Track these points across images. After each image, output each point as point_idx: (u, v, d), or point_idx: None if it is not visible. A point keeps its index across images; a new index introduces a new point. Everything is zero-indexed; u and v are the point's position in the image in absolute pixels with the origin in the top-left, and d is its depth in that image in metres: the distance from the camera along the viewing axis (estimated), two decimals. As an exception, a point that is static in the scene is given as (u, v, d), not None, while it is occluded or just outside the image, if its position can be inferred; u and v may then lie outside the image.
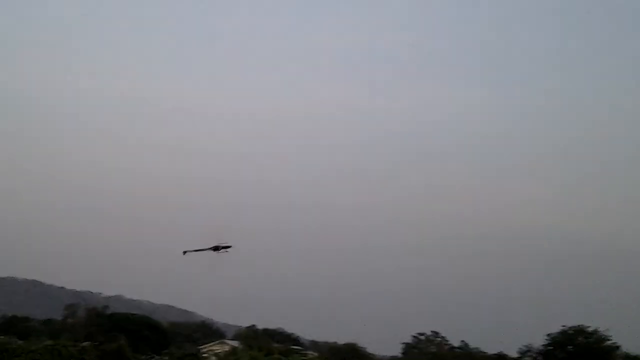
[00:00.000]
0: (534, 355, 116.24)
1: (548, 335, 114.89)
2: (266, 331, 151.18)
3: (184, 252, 43.45)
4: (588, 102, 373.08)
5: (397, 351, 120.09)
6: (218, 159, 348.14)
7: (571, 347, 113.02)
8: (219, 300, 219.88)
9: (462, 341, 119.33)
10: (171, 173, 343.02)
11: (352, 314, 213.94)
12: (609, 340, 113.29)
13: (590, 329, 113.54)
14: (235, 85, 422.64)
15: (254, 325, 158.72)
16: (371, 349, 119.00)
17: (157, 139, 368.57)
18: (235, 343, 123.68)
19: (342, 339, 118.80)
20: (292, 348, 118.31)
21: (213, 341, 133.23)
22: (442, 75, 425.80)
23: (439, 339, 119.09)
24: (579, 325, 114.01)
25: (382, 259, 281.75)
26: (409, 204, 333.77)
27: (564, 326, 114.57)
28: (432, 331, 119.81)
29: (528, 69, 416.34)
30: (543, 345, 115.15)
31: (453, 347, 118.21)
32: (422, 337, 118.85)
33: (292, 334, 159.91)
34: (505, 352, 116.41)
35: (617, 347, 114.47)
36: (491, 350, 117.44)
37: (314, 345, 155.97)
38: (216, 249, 39.28)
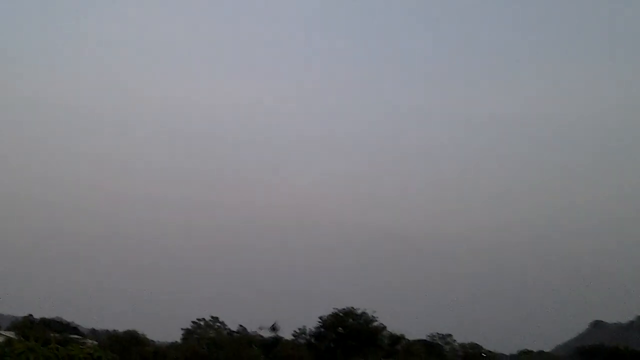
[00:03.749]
0: (307, 337, 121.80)
1: (320, 317, 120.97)
2: (44, 321, 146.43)
3: None
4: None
5: (178, 337, 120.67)
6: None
7: (341, 328, 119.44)
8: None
9: (240, 325, 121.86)
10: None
11: (132, 301, 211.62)
12: (376, 321, 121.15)
13: (359, 311, 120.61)
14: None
15: (30, 315, 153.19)
16: (151, 335, 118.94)
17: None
18: (10, 334, 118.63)
19: (122, 327, 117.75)
20: (71, 337, 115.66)
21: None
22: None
23: (218, 324, 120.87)
24: (348, 308, 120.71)
25: (156, 244, 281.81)
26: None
27: (335, 309, 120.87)
28: (211, 316, 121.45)
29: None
30: (315, 327, 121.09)
31: (231, 332, 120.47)
32: (202, 323, 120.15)
33: (71, 322, 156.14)
34: (281, 335, 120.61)
35: (384, 328, 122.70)
36: (268, 333, 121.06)
37: (94, 333, 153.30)
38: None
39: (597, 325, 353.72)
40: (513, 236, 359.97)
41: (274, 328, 36.52)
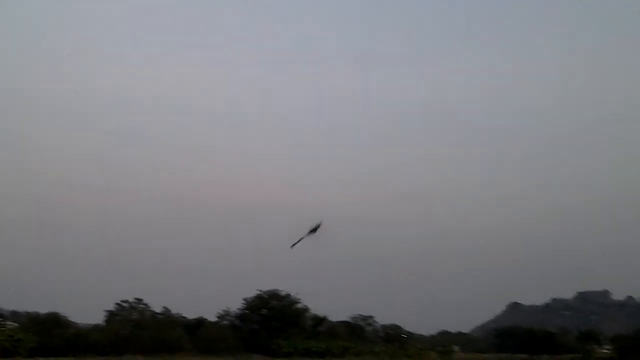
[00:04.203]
0: (231, 318, 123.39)
1: (244, 299, 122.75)
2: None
3: (292, 246, 41.39)
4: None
5: (100, 319, 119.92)
6: None
7: (265, 310, 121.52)
8: None
9: (164, 307, 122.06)
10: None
11: (55, 283, 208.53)
12: (299, 303, 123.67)
13: (283, 293, 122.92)
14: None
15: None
16: (74, 317, 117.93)
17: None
18: None
19: (43, 309, 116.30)
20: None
21: None
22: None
23: (142, 305, 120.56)
24: (272, 290, 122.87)
25: (79, 227, 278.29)
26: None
27: (259, 290, 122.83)
28: (135, 298, 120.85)
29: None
30: (239, 309, 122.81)
31: (155, 314, 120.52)
32: (125, 304, 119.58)
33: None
34: (205, 316, 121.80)
35: (307, 309, 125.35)
36: (192, 315, 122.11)
37: (14, 315, 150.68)
38: (314, 231, 38.70)
39: (514, 307, 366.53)
40: (433, 220, 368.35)
41: (315, 229, 37.40)
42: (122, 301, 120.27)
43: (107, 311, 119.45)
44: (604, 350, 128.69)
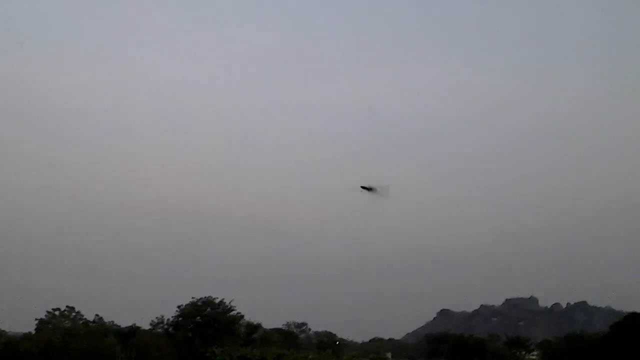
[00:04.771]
0: (165, 326, 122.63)
1: (178, 307, 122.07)
2: None
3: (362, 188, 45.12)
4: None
5: (31, 328, 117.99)
6: None
7: (199, 317, 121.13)
8: None
9: (97, 315, 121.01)
10: None
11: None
12: (233, 310, 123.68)
13: (217, 300, 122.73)
14: None
15: None
16: (3, 325, 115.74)
17: None
18: None
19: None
20: None
21: None
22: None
23: (74, 313, 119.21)
24: (207, 297, 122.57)
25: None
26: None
27: (193, 298, 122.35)
28: (67, 306, 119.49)
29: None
30: (174, 316, 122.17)
31: (88, 322, 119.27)
32: (57, 313, 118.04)
33: None
34: (139, 324, 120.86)
35: (242, 317, 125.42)
36: (125, 323, 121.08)
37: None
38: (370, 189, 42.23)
39: (444, 313, 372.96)
40: (367, 228, 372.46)
41: (371, 188, 39.24)
42: (54, 309, 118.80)
43: (38, 319, 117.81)
44: (532, 356, 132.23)
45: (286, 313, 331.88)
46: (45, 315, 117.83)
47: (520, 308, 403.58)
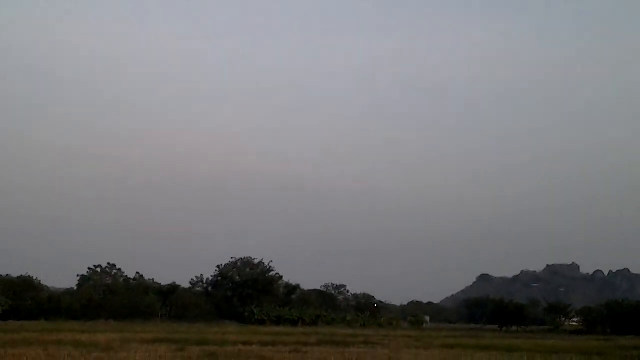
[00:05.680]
0: (205, 285, 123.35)
1: (218, 266, 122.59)
2: None
3: None
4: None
5: (73, 283, 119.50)
6: None
7: (238, 277, 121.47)
8: None
9: (138, 273, 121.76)
10: None
11: (27, 246, 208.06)
12: (272, 271, 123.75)
13: (256, 261, 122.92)
14: None
15: None
16: (46, 281, 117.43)
17: None
18: None
19: (16, 272, 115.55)
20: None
21: None
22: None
23: (115, 271, 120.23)
24: (246, 257, 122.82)
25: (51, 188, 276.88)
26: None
27: (232, 258, 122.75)
28: (108, 263, 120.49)
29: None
30: (213, 276, 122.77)
31: (128, 279, 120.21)
32: (98, 269, 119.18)
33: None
34: (179, 283, 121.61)
35: (280, 277, 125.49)
36: (165, 281, 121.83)
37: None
38: None
39: (484, 278, 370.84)
40: (407, 195, 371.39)
41: None
42: (95, 266, 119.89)
43: (80, 276, 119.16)
44: (572, 323, 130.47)
45: (325, 275, 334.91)
46: (87, 272, 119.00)
47: (562, 274, 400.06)
